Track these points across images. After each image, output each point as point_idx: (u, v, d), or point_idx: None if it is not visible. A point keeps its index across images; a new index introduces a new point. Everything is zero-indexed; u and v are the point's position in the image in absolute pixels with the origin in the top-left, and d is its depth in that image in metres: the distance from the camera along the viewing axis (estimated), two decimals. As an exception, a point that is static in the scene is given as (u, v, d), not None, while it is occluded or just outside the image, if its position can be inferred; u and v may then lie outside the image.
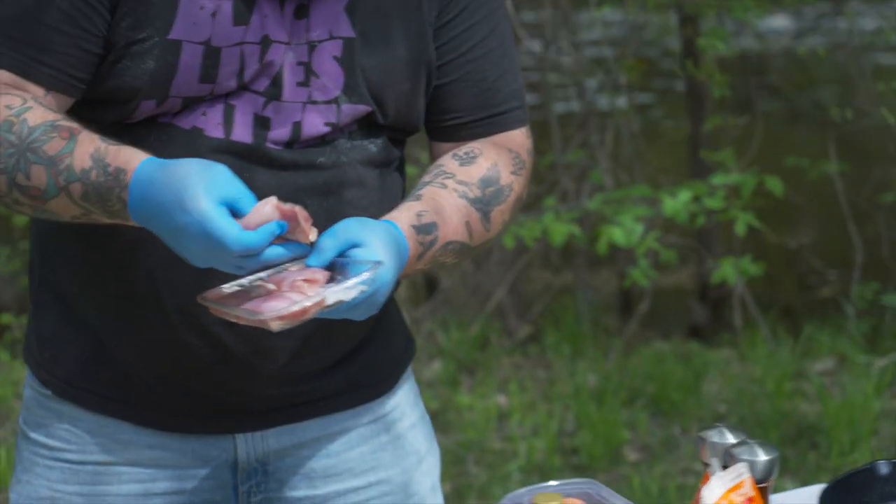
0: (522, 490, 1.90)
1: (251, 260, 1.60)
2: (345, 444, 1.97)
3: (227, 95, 1.79)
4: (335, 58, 1.81)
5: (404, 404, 2.04)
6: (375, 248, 1.69)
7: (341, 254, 1.68)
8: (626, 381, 4.77)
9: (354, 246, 1.68)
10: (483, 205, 1.86)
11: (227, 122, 1.79)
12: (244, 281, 1.71)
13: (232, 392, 1.89)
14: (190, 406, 1.90)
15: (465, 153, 1.89)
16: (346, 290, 1.62)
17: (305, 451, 1.96)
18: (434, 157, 1.95)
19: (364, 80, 1.82)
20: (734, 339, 5.27)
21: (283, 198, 1.64)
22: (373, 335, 1.97)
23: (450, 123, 1.91)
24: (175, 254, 1.76)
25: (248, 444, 1.93)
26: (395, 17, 1.83)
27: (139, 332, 1.86)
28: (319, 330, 1.87)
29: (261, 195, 1.64)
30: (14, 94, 1.73)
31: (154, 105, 1.77)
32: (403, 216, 1.78)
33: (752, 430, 4.47)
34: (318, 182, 1.82)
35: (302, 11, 1.79)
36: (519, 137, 1.94)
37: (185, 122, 1.79)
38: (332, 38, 1.80)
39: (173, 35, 1.75)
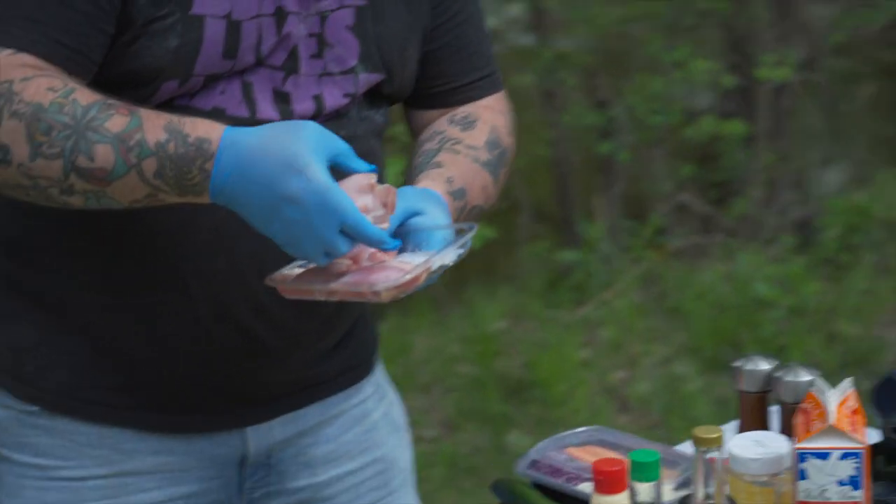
0: (547, 441, 1.93)
1: (344, 241, 1.55)
2: (341, 427, 1.93)
3: (243, 72, 1.71)
4: (348, 27, 1.76)
5: (383, 383, 2.02)
6: (436, 216, 1.67)
7: (402, 223, 1.66)
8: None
9: (416, 214, 1.67)
10: (493, 168, 1.86)
11: (249, 99, 1.71)
12: (299, 262, 1.65)
13: (252, 381, 1.81)
14: (201, 403, 1.81)
15: (463, 118, 1.88)
16: (446, 255, 1.60)
17: (306, 439, 1.90)
18: (418, 126, 1.92)
19: (377, 47, 1.78)
20: (407, 310, 5.38)
21: None
22: (360, 317, 1.93)
23: (441, 89, 1.89)
24: (205, 245, 1.70)
25: (258, 437, 1.85)
26: None
27: (158, 328, 1.75)
28: (336, 310, 1.83)
29: None
30: (52, 75, 1.58)
31: (177, 85, 1.67)
32: (437, 183, 1.76)
33: (471, 392, 4.61)
34: None
35: None
36: (503, 99, 1.95)
37: (205, 103, 1.69)
38: (342, 6, 1.75)
39: (196, 10, 1.65)
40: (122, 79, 1.66)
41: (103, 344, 1.77)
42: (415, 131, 1.93)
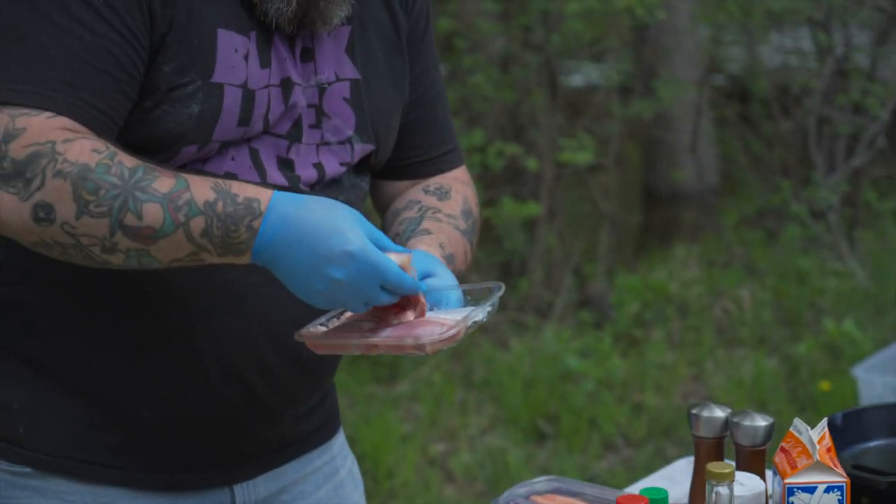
0: (509, 492, 2.03)
1: (385, 295, 1.64)
2: (315, 484, 2.00)
3: (250, 139, 1.79)
4: (345, 99, 1.85)
5: (345, 442, 2.10)
6: (445, 277, 1.77)
7: None
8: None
9: (428, 275, 1.76)
10: (470, 235, 1.97)
11: (258, 165, 1.79)
12: (323, 320, 1.73)
13: (246, 438, 1.86)
14: (195, 461, 1.85)
15: (437, 188, 1.99)
16: (479, 312, 1.69)
17: (285, 496, 1.96)
18: (386, 196, 2.02)
19: (370, 120, 1.88)
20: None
21: None
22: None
23: (412, 161, 2.00)
24: (215, 305, 1.76)
25: (244, 494, 1.91)
26: (384, 58, 1.91)
27: (164, 387, 1.79)
28: (323, 369, 1.91)
29: None
30: (93, 138, 1.63)
31: (195, 150, 1.73)
32: (432, 248, 1.86)
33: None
34: None
35: (307, 54, 1.82)
36: (467, 172, 2.06)
37: (217, 168, 1.76)
38: (339, 79, 1.85)
39: (216, 78, 1.73)
40: (142, 142, 1.71)
41: (102, 404, 1.80)
42: (382, 201, 2.03)
